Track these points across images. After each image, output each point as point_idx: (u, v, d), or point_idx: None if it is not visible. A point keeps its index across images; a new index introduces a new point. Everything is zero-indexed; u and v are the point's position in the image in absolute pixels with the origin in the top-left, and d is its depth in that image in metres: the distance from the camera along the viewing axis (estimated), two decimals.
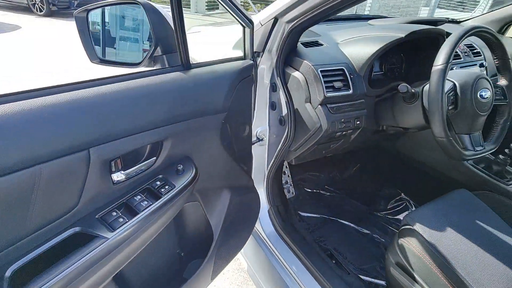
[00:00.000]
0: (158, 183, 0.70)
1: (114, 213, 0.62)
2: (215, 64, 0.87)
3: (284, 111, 1.09)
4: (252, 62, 0.94)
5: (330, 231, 1.42)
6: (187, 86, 0.75)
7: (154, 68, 0.80)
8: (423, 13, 10.42)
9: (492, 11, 1.88)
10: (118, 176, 0.65)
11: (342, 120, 1.05)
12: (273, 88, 1.10)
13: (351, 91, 1.02)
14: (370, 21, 1.48)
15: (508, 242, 0.93)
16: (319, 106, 1.00)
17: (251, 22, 0.90)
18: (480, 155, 0.98)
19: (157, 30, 0.77)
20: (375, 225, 1.46)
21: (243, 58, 0.96)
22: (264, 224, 1.29)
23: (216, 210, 0.96)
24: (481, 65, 1.38)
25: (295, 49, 1.08)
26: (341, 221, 1.47)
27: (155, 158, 0.72)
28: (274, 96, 1.12)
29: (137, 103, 0.64)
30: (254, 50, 1.03)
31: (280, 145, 1.16)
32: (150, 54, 0.77)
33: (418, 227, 0.92)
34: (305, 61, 1.01)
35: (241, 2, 9.67)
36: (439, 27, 1.57)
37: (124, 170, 0.66)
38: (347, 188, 1.69)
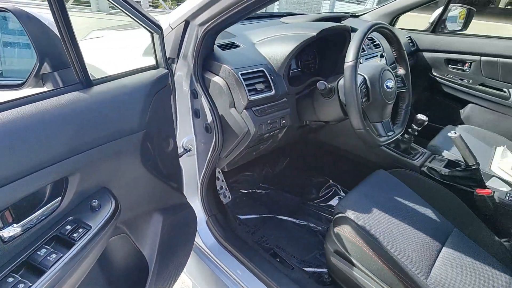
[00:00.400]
0: (68, 227, 0.59)
1: (11, 279, 0.49)
2: (124, 77, 0.76)
3: (209, 118, 1.04)
4: (166, 70, 0.86)
5: (270, 229, 1.43)
6: (90, 107, 0.64)
7: (45, 89, 0.66)
8: (325, 5, 11.36)
9: (384, 5, 2.11)
10: (10, 232, 0.51)
11: (269, 121, 1.04)
12: (194, 95, 1.04)
13: (273, 92, 1.02)
14: (282, 19, 1.51)
15: (420, 211, 1.06)
16: (244, 110, 0.97)
17: (159, 27, 0.81)
18: (393, 139, 1.09)
19: (39, 42, 0.64)
20: (310, 214, 1.53)
21: (156, 66, 0.87)
22: (204, 236, 1.23)
23: (148, 237, 0.87)
24: (381, 56, 1.53)
25: (212, 53, 1.03)
26: (279, 217, 1.49)
27: (60, 198, 0.60)
28: (196, 103, 1.06)
29: (24, 138, 0.51)
30: (168, 57, 0.95)
31: (209, 154, 1.11)
32: (34, 72, 0.63)
33: (349, 213, 0.98)
34: (224, 65, 0.97)
35: (149, 2, 9.11)
36: (343, 22, 1.70)
37: (17, 222, 0.53)
38: (280, 183, 1.73)
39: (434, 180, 1.28)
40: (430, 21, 2.05)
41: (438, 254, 0.92)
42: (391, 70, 1.05)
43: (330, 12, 1.84)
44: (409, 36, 2.02)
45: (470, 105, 1.97)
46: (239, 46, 1.11)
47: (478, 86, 1.90)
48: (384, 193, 1.10)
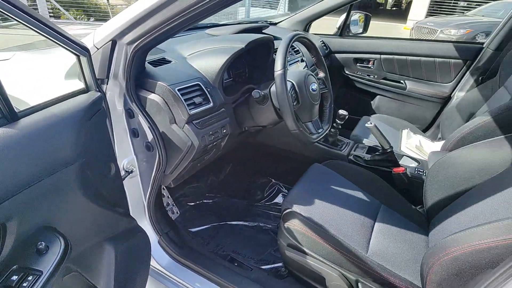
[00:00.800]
0: (14, 277, 0.53)
1: None
2: (52, 106, 0.71)
3: (150, 136, 1.02)
4: (99, 93, 0.83)
5: (223, 236, 1.46)
6: (19, 143, 0.59)
7: None
8: (241, 12, 11.73)
9: (297, 13, 2.31)
10: None
11: (210, 132, 1.07)
12: (130, 114, 1.01)
13: (211, 104, 1.05)
14: (207, 31, 1.55)
15: (353, 195, 1.21)
16: (186, 125, 0.98)
17: (86, 49, 0.78)
18: (323, 135, 1.22)
19: None
20: (259, 214, 1.60)
21: (86, 90, 0.83)
22: (158, 257, 1.19)
23: (102, 271, 0.82)
24: (302, 60, 1.69)
25: (144, 70, 1.01)
26: (230, 222, 1.53)
27: None
28: (133, 122, 1.03)
29: None
30: (97, 78, 0.91)
31: (154, 172, 1.08)
32: None
33: (295, 208, 1.07)
34: (159, 82, 0.96)
35: (49, 8, 8.16)
36: (265, 31, 1.82)
37: None
38: (226, 190, 1.76)
39: (360, 166, 1.47)
40: (337, 26, 2.32)
41: (372, 229, 1.07)
42: (313, 74, 1.18)
43: (251, 22, 1.95)
44: (322, 40, 2.26)
45: (378, 96, 2.29)
46: (170, 62, 1.12)
47: (382, 80, 2.22)
48: (321, 184, 1.22)
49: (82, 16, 8.60)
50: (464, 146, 1.16)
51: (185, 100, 0.98)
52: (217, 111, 1.10)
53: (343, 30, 2.28)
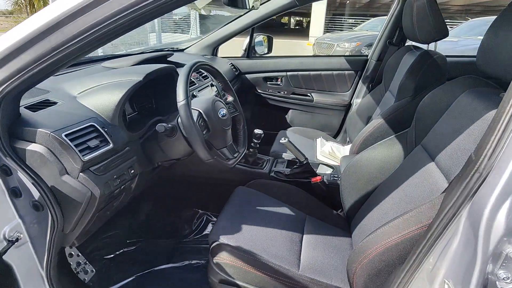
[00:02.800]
0: None
1: None
2: None
3: (36, 194, 0.86)
4: None
5: (151, 285, 1.31)
6: None
7: None
8: (152, 38, 11.49)
9: (204, 37, 2.32)
10: None
11: (115, 176, 0.96)
12: (6, 172, 0.83)
13: (111, 145, 0.94)
14: (104, 63, 1.42)
15: (279, 212, 1.22)
16: (81, 173, 0.86)
17: None
18: (240, 158, 1.21)
19: None
20: (189, 251, 1.50)
21: None
22: None
23: None
24: (212, 85, 1.68)
25: (19, 118, 0.86)
26: (157, 268, 1.39)
27: None
28: (11, 180, 0.85)
29: None
30: None
31: (48, 235, 0.91)
32: None
33: (222, 239, 1.02)
34: (39, 129, 0.82)
35: None
36: (170, 58, 1.76)
37: None
38: (150, 231, 1.61)
39: (282, 181, 1.51)
40: (243, 48, 2.40)
41: (301, 243, 1.09)
42: (221, 100, 1.17)
43: (155, 51, 1.87)
44: (231, 63, 2.31)
45: (290, 111, 2.43)
46: (55, 103, 0.97)
47: (291, 95, 2.37)
48: (247, 207, 1.20)
49: None
50: (367, 148, 1.28)
51: (77, 145, 0.85)
52: (120, 151, 0.99)
53: (249, 52, 2.38)
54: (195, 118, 1.02)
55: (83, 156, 0.85)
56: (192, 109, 1.05)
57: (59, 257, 1.00)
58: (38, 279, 0.98)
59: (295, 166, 1.51)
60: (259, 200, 1.27)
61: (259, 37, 2.45)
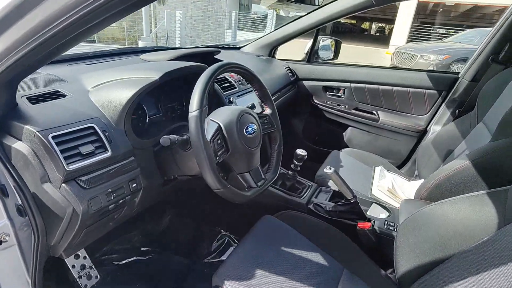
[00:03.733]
0: None
1: None
2: None
3: (18, 198, 0.75)
4: None
5: None
6: None
7: None
8: (228, 35, 11.85)
9: (261, 37, 2.13)
10: None
11: (110, 190, 0.81)
12: None
13: (109, 153, 0.80)
14: (142, 56, 1.32)
15: (309, 258, 0.96)
16: (63, 184, 0.72)
17: None
18: (264, 189, 0.97)
19: None
20: (200, 277, 1.32)
21: None
22: None
23: None
24: None
25: (14, 109, 0.76)
26: None
27: None
28: (1, 177, 0.76)
29: None
30: None
31: (32, 243, 0.81)
32: None
33: (227, 285, 0.81)
34: (26, 126, 0.71)
35: None
36: (218, 56, 1.60)
37: None
38: (166, 243, 1.47)
39: (321, 217, 1.23)
40: (304, 51, 2.14)
41: None
42: (252, 112, 0.95)
43: (198, 47, 1.73)
44: (288, 67, 2.07)
45: (349, 128, 2.09)
46: (64, 96, 0.86)
47: (353, 111, 2.02)
48: (270, 244, 0.98)
49: None
50: (439, 202, 0.94)
51: (64, 150, 0.72)
52: (120, 161, 0.84)
53: (311, 56, 2.10)
54: (211, 133, 0.81)
55: (68, 164, 0.71)
56: (212, 120, 0.85)
57: (49, 266, 0.89)
58: (24, 284, 0.88)
59: (340, 203, 1.22)
60: (287, 237, 1.03)
61: (326, 41, 2.16)
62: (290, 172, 1.33)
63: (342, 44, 2.20)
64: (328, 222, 1.16)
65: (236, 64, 0.92)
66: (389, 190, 1.49)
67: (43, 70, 1.00)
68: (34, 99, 0.81)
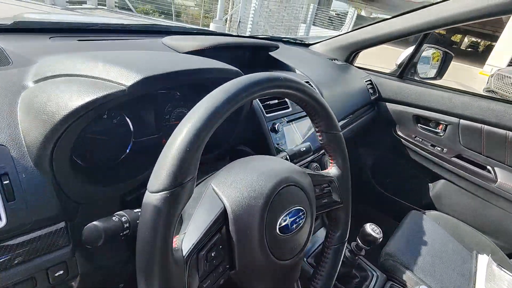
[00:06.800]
0: None
1: None
2: None
3: None
4: None
5: None
6: None
7: None
8: (302, 29, 11.25)
9: (340, 35, 1.60)
10: None
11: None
12: None
13: (2, 223, 0.39)
14: (164, 39, 0.90)
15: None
16: None
17: None
18: None
19: None
20: None
21: None
22: None
23: None
24: None
25: None
26: None
27: None
28: None
29: None
30: None
31: None
32: None
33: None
34: None
35: None
36: (274, 53, 1.14)
37: None
38: None
39: None
40: (397, 62, 1.56)
41: None
42: (303, 180, 0.47)
43: (253, 37, 1.28)
44: (370, 80, 1.52)
45: (442, 181, 1.46)
46: None
47: (454, 159, 1.40)
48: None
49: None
50: None
51: None
52: (27, 232, 0.43)
53: (406, 70, 1.52)
54: (207, 223, 0.36)
55: None
56: (214, 192, 0.40)
57: None
58: None
59: None
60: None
61: (429, 51, 1.56)
62: (348, 255, 0.83)
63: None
64: None
65: (295, 84, 0.45)
66: None
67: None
68: None
